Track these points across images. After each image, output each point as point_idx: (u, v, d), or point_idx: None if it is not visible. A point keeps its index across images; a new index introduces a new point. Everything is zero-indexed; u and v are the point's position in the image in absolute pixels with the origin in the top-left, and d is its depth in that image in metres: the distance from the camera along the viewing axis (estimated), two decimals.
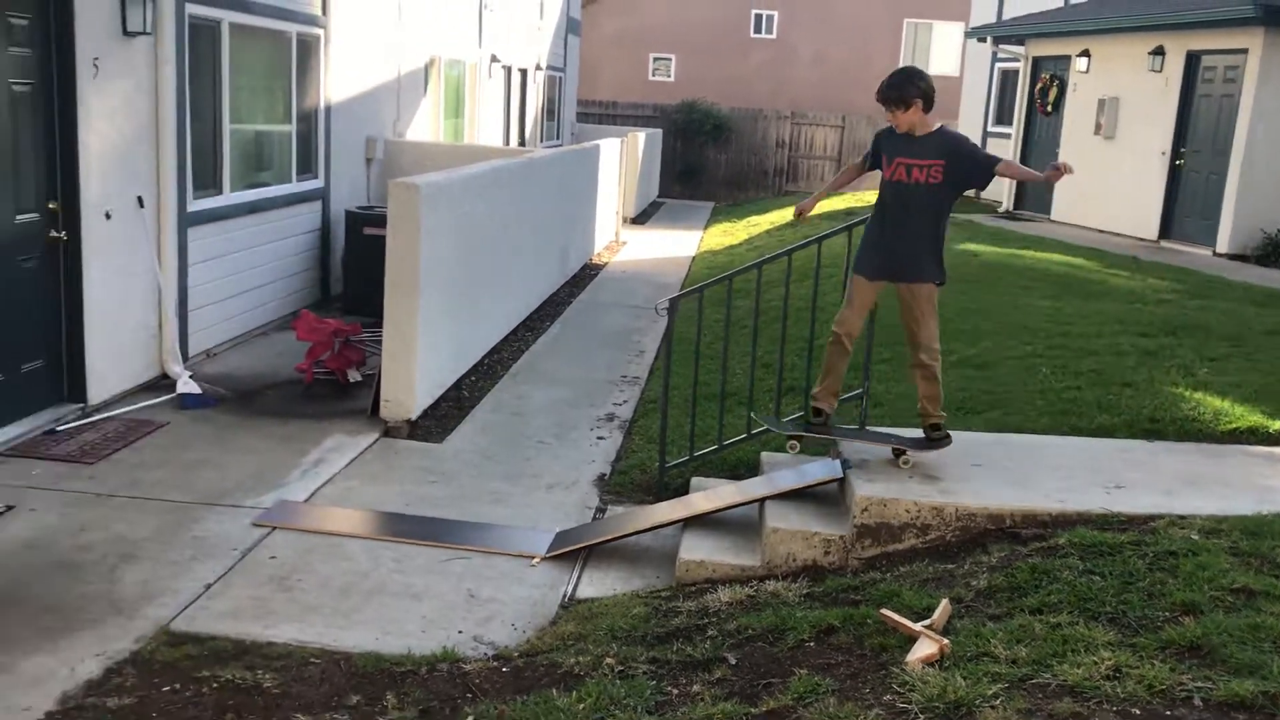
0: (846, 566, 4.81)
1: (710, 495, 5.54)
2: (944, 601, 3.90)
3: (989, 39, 19.86)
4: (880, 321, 5.97)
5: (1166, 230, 14.81)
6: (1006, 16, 20.68)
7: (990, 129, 21.19)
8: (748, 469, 6.15)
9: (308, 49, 10.03)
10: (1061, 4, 19.17)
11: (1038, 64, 18.60)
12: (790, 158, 28.70)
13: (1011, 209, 18.60)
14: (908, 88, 5.22)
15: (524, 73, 18.70)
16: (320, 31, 10.16)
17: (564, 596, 4.89)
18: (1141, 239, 14.96)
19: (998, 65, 21.02)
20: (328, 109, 10.46)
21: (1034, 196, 18.13)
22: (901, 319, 5.45)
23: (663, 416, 6.18)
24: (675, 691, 3.67)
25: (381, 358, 7.18)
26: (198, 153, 8.13)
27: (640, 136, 20.40)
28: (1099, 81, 16.40)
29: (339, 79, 10.62)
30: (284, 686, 3.93)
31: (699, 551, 5.06)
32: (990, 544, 4.63)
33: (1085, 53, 16.70)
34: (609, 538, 5.37)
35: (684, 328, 7.99)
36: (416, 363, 7.10)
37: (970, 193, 21.69)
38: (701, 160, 28.42)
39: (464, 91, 15.22)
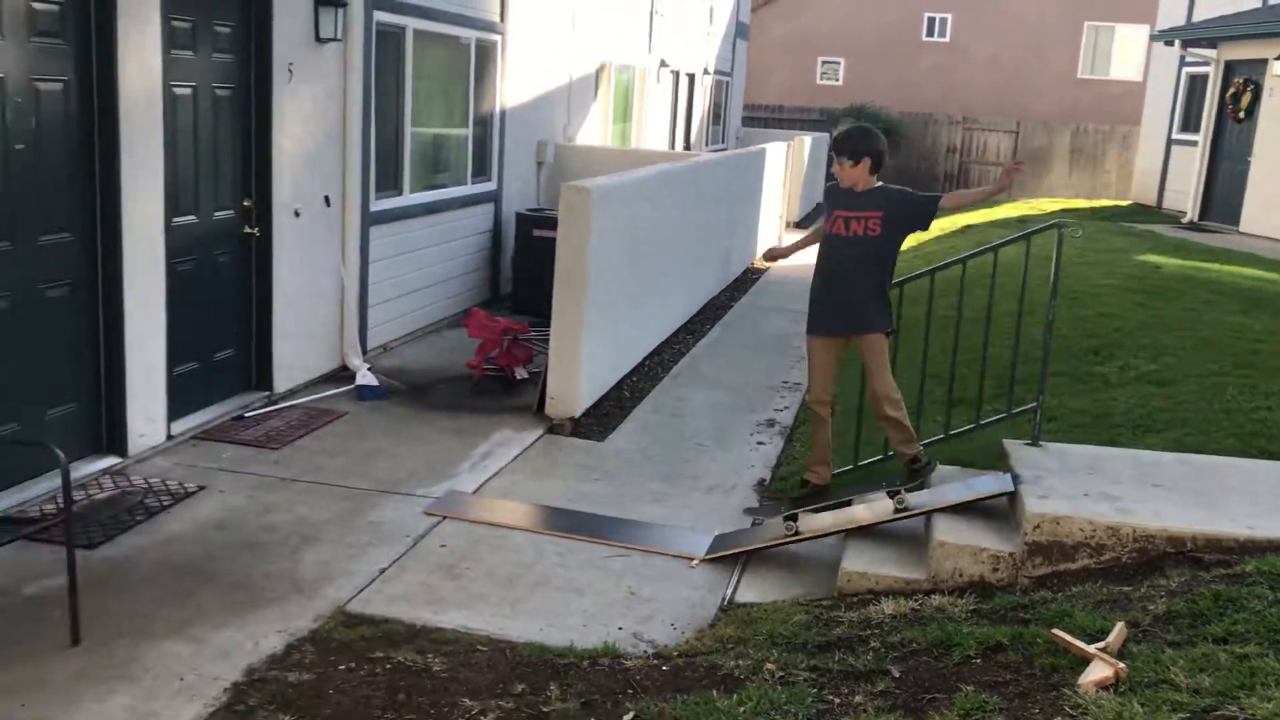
0: (1016, 584, 4.68)
1: (873, 507, 5.47)
2: (1119, 624, 3.76)
3: (1177, 42, 18.98)
4: (1057, 332, 5.78)
5: None
6: (1197, 18, 19.73)
7: (1175, 136, 20.27)
8: None
9: (486, 55, 10.32)
10: (1259, 4, 18.18)
11: (1230, 68, 17.69)
12: (961, 163, 28.05)
13: (1196, 219, 17.74)
14: (864, 143, 5.42)
15: (691, 77, 18.80)
16: (498, 38, 10.45)
17: (723, 600, 4.90)
18: None
19: (1185, 69, 20.08)
20: (502, 113, 10.74)
21: (1221, 207, 17.25)
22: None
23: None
24: (836, 700, 3.64)
25: (548, 356, 7.34)
26: (380, 155, 8.46)
27: (806, 140, 20.26)
28: None
29: (514, 84, 10.89)
30: (452, 671, 4.06)
31: (861, 562, 5.00)
32: (1169, 568, 4.43)
33: None
34: (769, 543, 5.36)
35: None
36: (581, 362, 7.23)
37: (1150, 202, 20.81)
38: None
39: (633, 96, 15.41)
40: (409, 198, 9.09)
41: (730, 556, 5.29)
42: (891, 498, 5.26)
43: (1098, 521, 4.63)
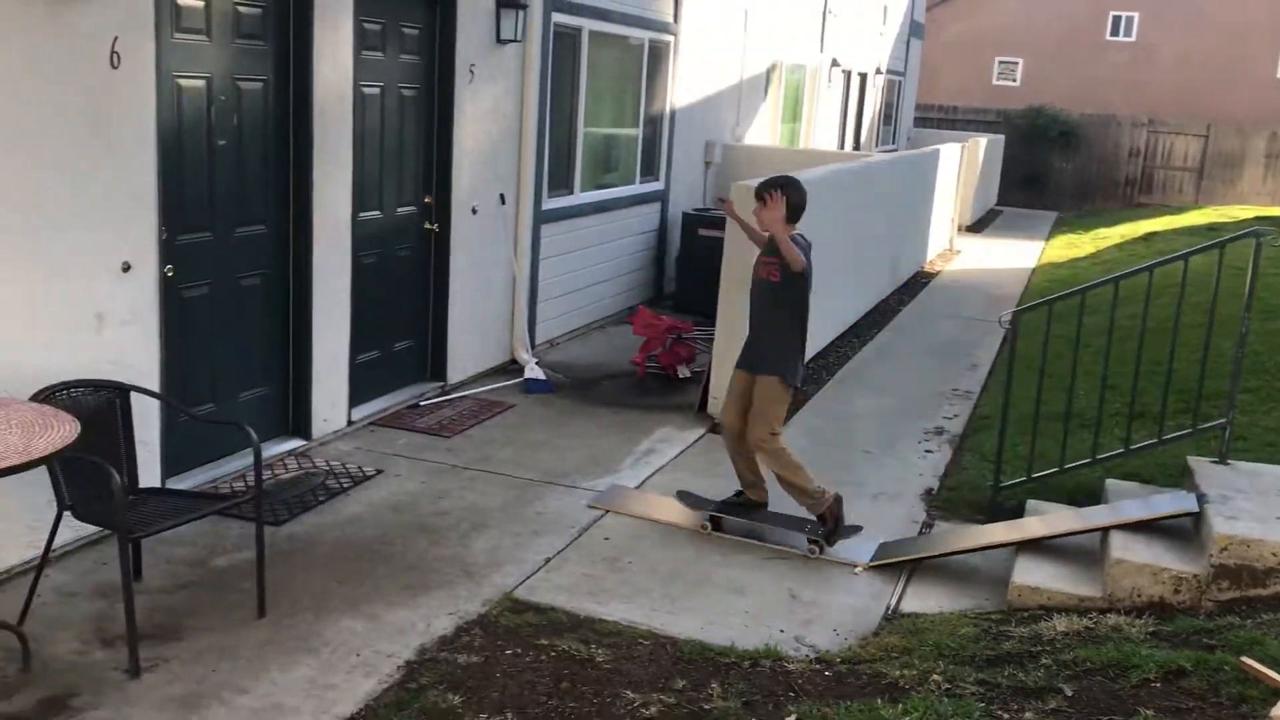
0: (1199, 607, 4.47)
1: (1047, 520, 5.30)
2: None
3: None
4: (1250, 347, 5.48)
5: None
6: None
7: None
8: (1086, 496, 5.82)
9: (658, 55, 10.41)
10: None
11: None
12: (1145, 167, 26.83)
13: None
14: (774, 189, 5.30)
15: (863, 77, 18.54)
16: (670, 38, 10.52)
17: (887, 608, 4.82)
18: None
19: None
20: (672, 113, 10.81)
21: None
22: None
23: (1000, 434, 5.96)
24: (1005, 716, 3.54)
25: (711, 355, 7.36)
26: (553, 154, 8.64)
27: (981, 142, 19.74)
28: None
29: (684, 84, 10.95)
30: (615, 663, 4.12)
31: (1033, 577, 4.85)
32: None
33: None
34: (936, 553, 5.25)
35: (1023, 343, 7.67)
36: None
37: None
38: (1045, 168, 27.09)
39: (803, 96, 15.29)
40: (579, 196, 9.24)
41: (895, 565, 5.21)
42: (810, 543, 5.31)
43: None
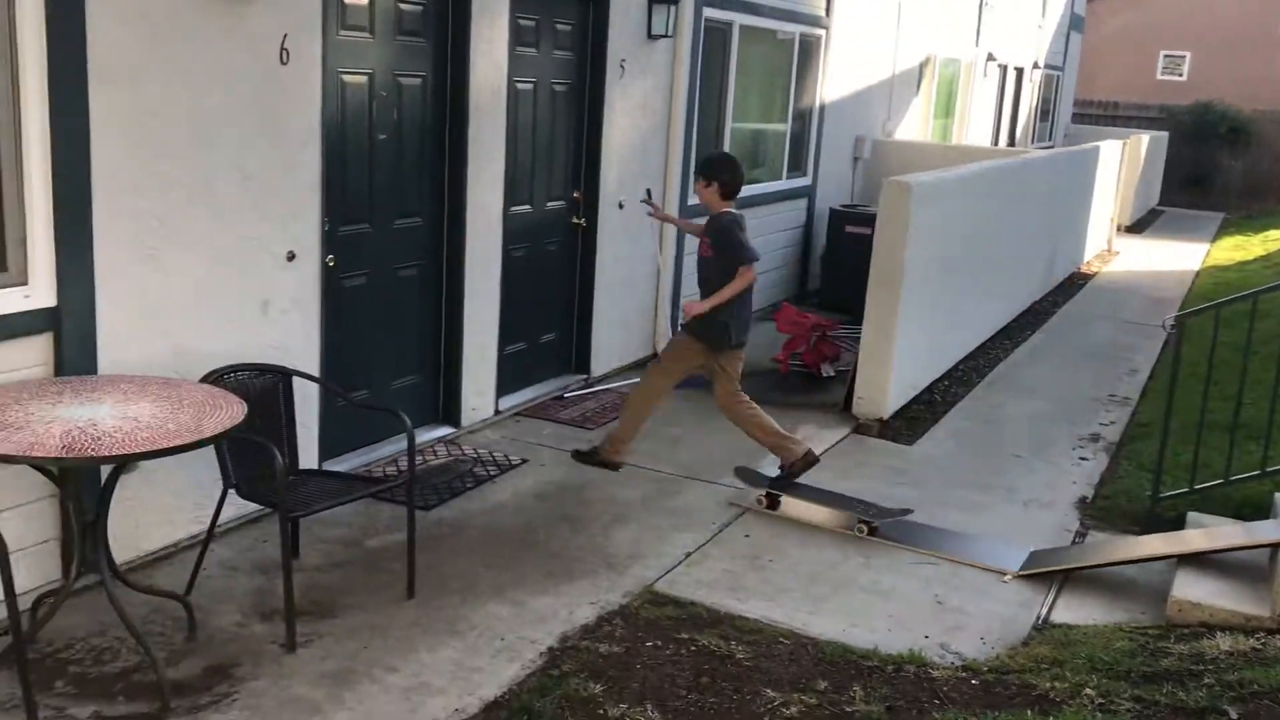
0: None
1: (1211, 534, 5.06)
2: None
3: None
4: None
5: None
6: None
7: None
8: (1253, 510, 5.54)
9: (808, 50, 10.31)
10: None
11: None
12: None
13: None
14: (711, 169, 5.72)
15: (1019, 71, 18.01)
16: (822, 32, 10.40)
17: (1038, 618, 4.68)
18: None
19: None
20: (821, 108, 10.69)
21: None
22: None
23: (1162, 443, 5.71)
24: None
25: (857, 354, 7.25)
26: (700, 149, 8.62)
27: (1143, 139, 18.95)
28: None
29: (835, 79, 10.81)
30: (755, 660, 4.10)
31: (1194, 592, 4.63)
32: None
33: None
34: (1090, 564, 5.07)
35: (1187, 349, 7.33)
36: (892, 362, 7.10)
37: None
38: (1212, 166, 25.83)
39: (956, 90, 14.94)
40: None
41: (1046, 575, 5.04)
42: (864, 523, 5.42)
43: None
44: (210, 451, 4.06)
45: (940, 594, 4.84)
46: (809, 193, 10.86)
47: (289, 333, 5.15)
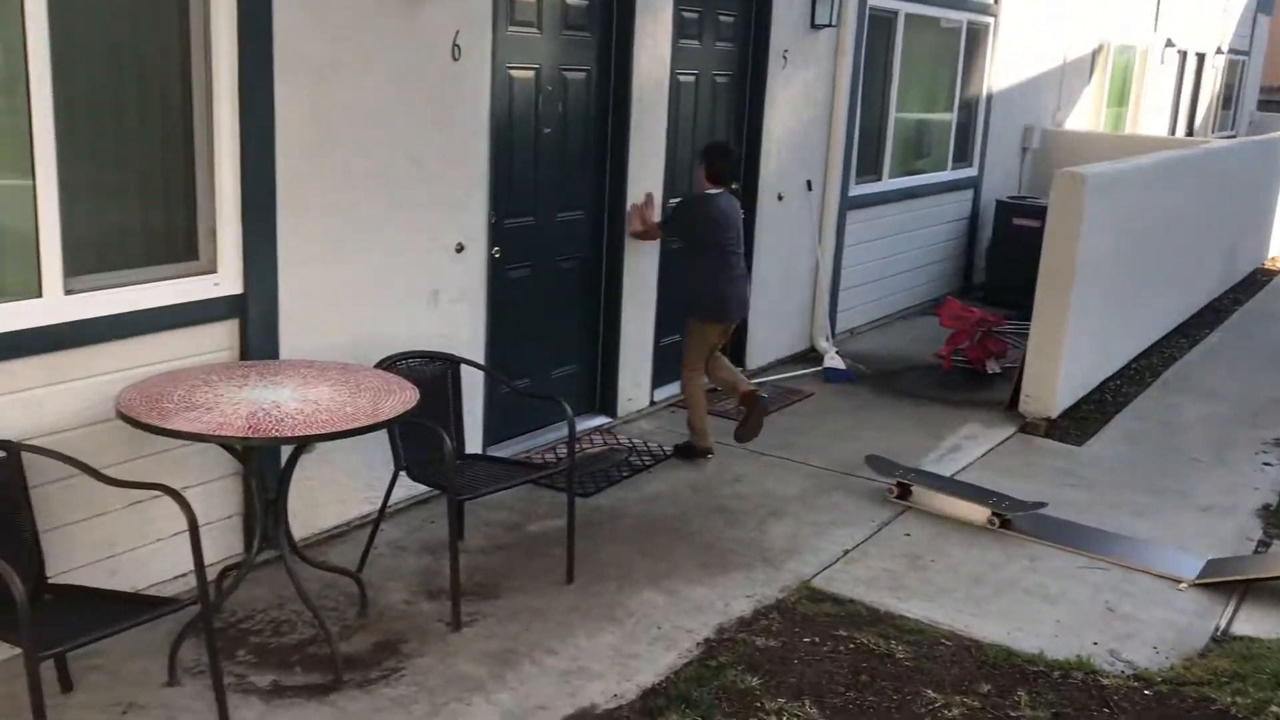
0: None
1: None
2: None
3: None
4: None
5: None
6: None
7: None
8: None
9: (976, 38, 10.04)
10: None
11: None
12: None
13: None
14: (704, 152, 5.91)
15: (1200, 57, 17.14)
16: (990, 20, 10.11)
17: (1216, 629, 4.46)
18: None
19: None
20: (988, 97, 10.40)
21: None
22: None
23: None
24: None
25: (1024, 351, 7.04)
26: (862, 139, 8.50)
27: None
28: None
29: (1003, 67, 10.50)
30: (915, 661, 4.03)
31: None
32: None
33: None
34: (1275, 575, 4.81)
35: None
36: (1062, 360, 6.87)
37: None
38: None
39: (1131, 78, 14.32)
40: (888, 183, 9.06)
41: (1225, 584, 4.81)
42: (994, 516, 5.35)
43: None
44: (382, 434, 4.21)
45: (1110, 600, 4.66)
46: (974, 184, 10.58)
47: (456, 322, 5.29)
